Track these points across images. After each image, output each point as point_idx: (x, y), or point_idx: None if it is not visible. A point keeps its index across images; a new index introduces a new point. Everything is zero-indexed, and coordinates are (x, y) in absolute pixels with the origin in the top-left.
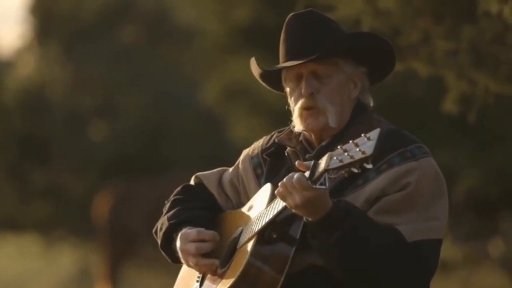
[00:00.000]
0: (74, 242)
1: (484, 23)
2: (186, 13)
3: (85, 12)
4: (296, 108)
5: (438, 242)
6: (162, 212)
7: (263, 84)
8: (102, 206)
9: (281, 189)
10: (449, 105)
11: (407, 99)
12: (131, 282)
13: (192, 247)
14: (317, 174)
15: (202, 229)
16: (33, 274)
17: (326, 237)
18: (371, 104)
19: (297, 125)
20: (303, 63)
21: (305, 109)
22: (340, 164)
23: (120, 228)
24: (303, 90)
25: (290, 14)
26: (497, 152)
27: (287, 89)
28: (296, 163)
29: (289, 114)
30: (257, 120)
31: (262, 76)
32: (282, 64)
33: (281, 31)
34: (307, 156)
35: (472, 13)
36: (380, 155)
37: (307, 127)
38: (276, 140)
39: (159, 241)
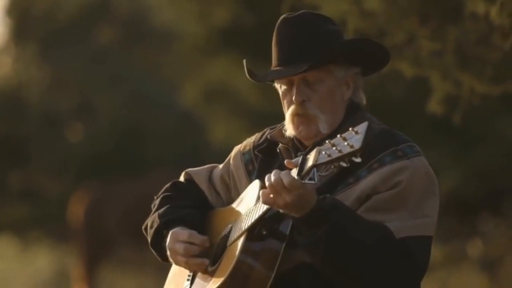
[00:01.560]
0: (50, 244)
1: (470, 24)
2: (164, 15)
3: (61, 13)
4: (287, 114)
5: (428, 239)
6: (137, 213)
7: (268, 82)
8: (77, 208)
9: (268, 190)
10: (434, 106)
11: (387, 99)
12: (107, 283)
13: (180, 247)
14: (306, 169)
15: (194, 232)
16: (10, 276)
17: (311, 233)
18: (364, 102)
19: (289, 129)
20: (294, 75)
21: (296, 115)
22: (329, 158)
23: (96, 229)
24: (294, 98)
25: (282, 16)
26: (478, 153)
27: (279, 91)
28: (285, 162)
29: (272, 114)
30: (237, 121)
31: (253, 78)
32: (273, 76)
33: (260, 33)
34: (298, 153)
35: (457, 14)
36: (371, 154)
37: (299, 135)
38: (268, 137)
39: (149, 239)
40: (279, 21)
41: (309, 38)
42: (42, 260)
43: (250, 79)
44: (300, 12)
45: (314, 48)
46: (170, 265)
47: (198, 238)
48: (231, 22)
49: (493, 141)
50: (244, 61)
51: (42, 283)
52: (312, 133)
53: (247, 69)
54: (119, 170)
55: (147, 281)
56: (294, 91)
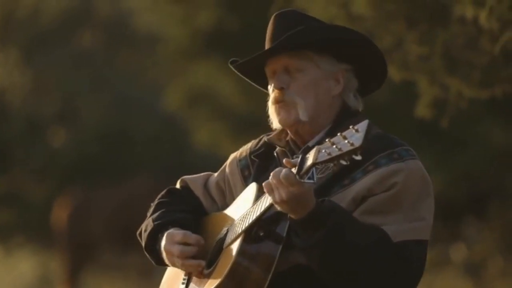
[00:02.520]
0: (33, 249)
1: (457, 28)
2: (147, 18)
3: (44, 17)
4: (269, 103)
5: (424, 243)
6: (121, 219)
7: (261, 88)
8: (61, 213)
9: (269, 182)
10: (422, 110)
11: (372, 102)
12: None
13: (177, 249)
14: (305, 168)
15: (188, 232)
16: None
17: (309, 236)
18: (360, 110)
19: (274, 121)
20: (258, 55)
21: (276, 102)
22: (329, 157)
23: (79, 234)
24: (273, 85)
25: (274, 14)
26: (462, 157)
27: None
28: (284, 161)
29: (255, 118)
30: (220, 125)
31: (253, 80)
32: (246, 61)
33: (243, 36)
34: (294, 156)
35: (445, 18)
36: (367, 156)
37: (279, 121)
38: (266, 140)
39: (143, 243)
40: (271, 18)
41: (294, 28)
42: (25, 265)
43: (255, 84)
44: (289, 9)
45: (295, 35)
46: (154, 270)
47: (192, 238)
48: (215, 25)
49: (477, 145)
50: (230, 60)
51: (25, 287)
52: (291, 118)
53: (232, 60)
54: (103, 174)
55: (130, 286)
56: (274, 79)
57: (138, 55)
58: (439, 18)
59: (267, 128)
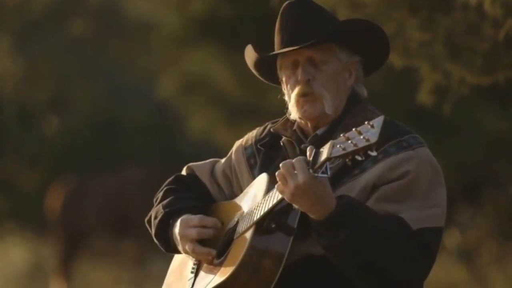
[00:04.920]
0: (26, 236)
1: (459, 14)
2: (140, 5)
3: (36, 4)
4: (292, 95)
5: (440, 230)
6: (114, 207)
7: (256, 74)
8: (54, 200)
9: (282, 171)
10: (424, 97)
11: (366, 88)
12: (84, 276)
13: (193, 232)
14: (319, 162)
15: (204, 216)
16: None
17: (333, 235)
18: (365, 95)
19: (293, 112)
20: (299, 48)
21: (301, 95)
22: (343, 152)
23: (73, 222)
24: (299, 77)
25: (285, 3)
26: (455, 144)
27: (283, 78)
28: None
29: (250, 105)
30: (215, 113)
31: (256, 65)
32: (279, 50)
33: (238, 23)
34: (302, 146)
35: (447, 4)
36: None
37: (303, 114)
38: (271, 130)
39: (153, 230)
40: (282, 7)
41: (313, 20)
42: (18, 253)
43: (253, 69)
44: None
45: (318, 27)
46: (147, 258)
47: (209, 220)
48: (209, 12)
49: (470, 131)
50: (249, 46)
51: (18, 275)
52: (317, 112)
53: (254, 51)
54: (96, 162)
55: (124, 274)
56: (300, 70)
57: (131, 43)
58: (441, 4)
59: (262, 115)
